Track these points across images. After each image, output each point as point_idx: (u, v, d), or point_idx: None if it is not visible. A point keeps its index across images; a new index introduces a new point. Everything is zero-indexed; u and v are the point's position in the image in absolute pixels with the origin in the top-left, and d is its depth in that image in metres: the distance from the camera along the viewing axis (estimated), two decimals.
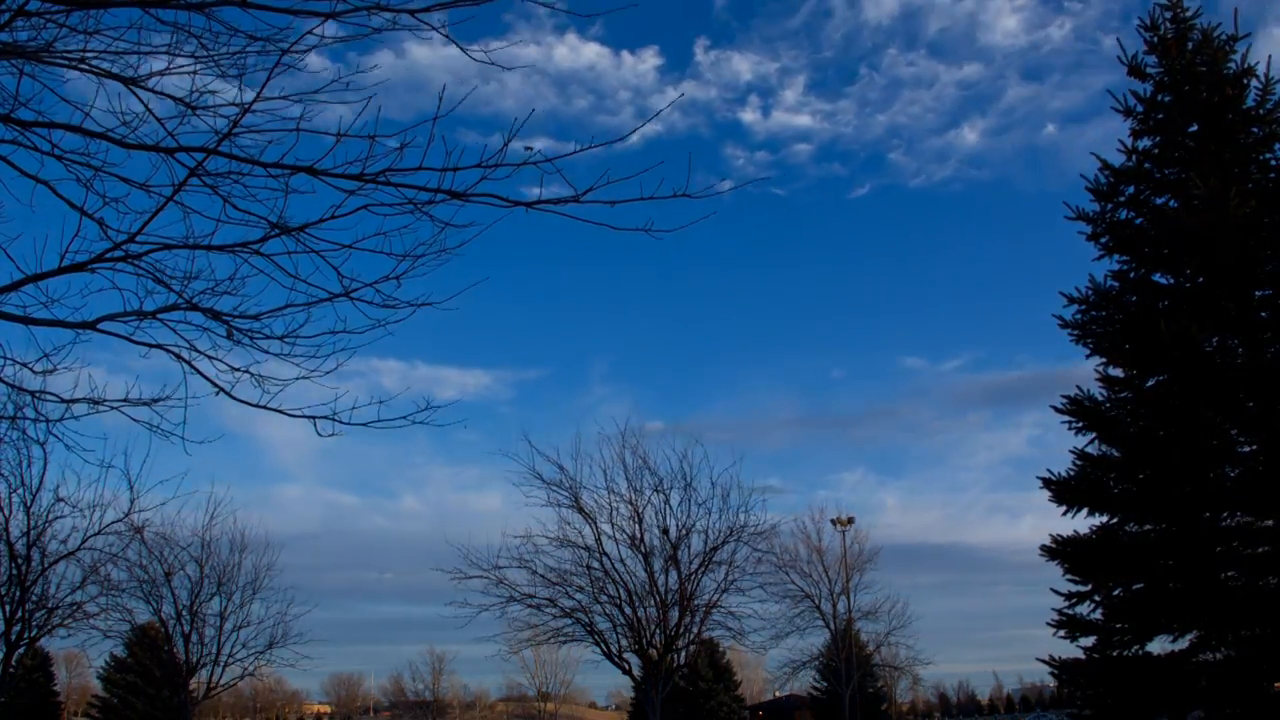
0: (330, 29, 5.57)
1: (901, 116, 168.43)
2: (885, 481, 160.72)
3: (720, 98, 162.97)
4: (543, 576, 28.00)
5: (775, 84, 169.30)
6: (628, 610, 27.79)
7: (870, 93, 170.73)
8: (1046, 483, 20.45)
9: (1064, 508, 20.20)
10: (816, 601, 46.59)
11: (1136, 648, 19.11)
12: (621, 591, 27.82)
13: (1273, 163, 19.56)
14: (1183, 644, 18.81)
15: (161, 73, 5.83)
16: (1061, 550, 19.91)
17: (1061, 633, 19.76)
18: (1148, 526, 19.58)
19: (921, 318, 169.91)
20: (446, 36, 5.56)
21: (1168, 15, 20.44)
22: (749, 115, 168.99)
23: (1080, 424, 20.27)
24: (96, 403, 6.34)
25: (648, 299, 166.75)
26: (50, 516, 23.61)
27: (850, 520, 48.63)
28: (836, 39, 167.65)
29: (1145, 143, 20.63)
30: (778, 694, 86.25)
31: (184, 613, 32.16)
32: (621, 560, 28.17)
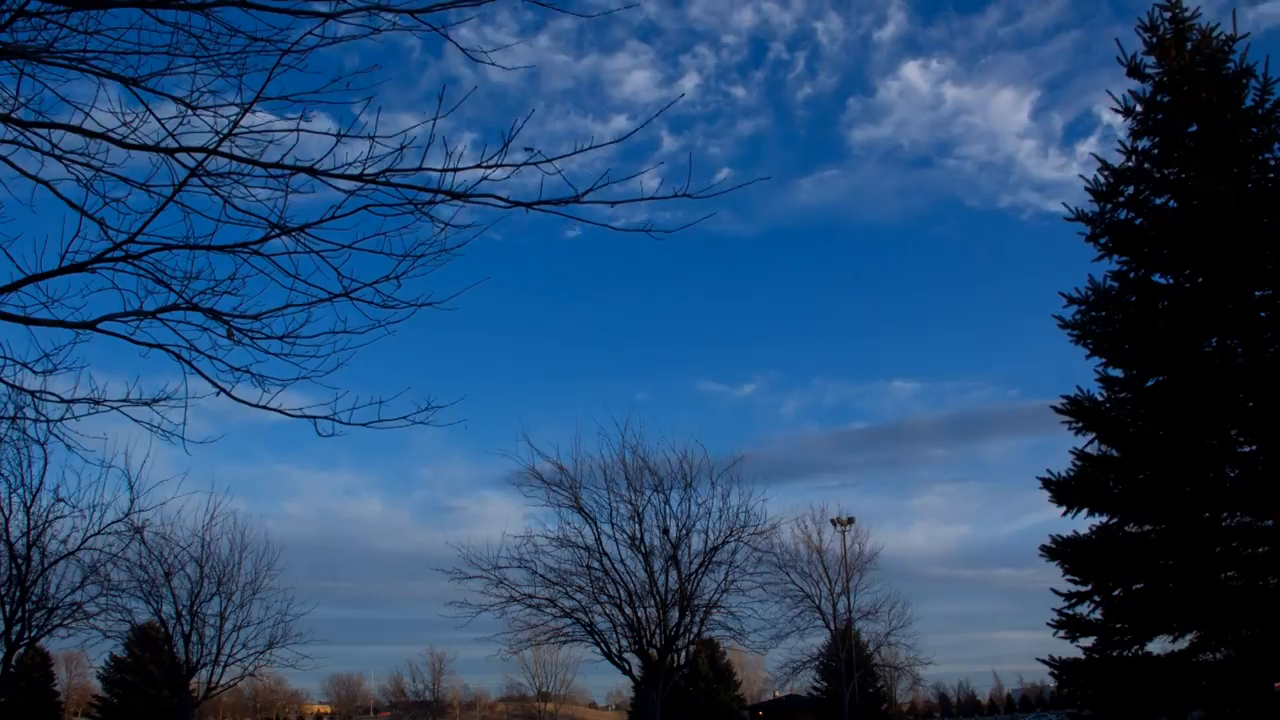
0: (331, 29, 5.57)
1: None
2: None
3: None
4: (542, 576, 28.06)
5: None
6: (628, 610, 27.81)
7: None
8: (1046, 483, 20.45)
9: (1064, 508, 20.21)
10: (816, 601, 46.59)
11: (1136, 648, 19.12)
12: (621, 591, 27.85)
13: (1272, 163, 19.56)
14: (1183, 644, 18.82)
15: (161, 73, 5.83)
16: (1061, 550, 19.91)
17: (1061, 633, 19.77)
18: (1148, 526, 19.58)
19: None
20: (446, 37, 5.57)
21: (1166, 16, 20.45)
22: None
23: (1080, 424, 20.27)
24: (96, 403, 6.35)
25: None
26: (50, 516, 23.65)
27: (850, 520, 48.65)
28: None
29: (1145, 143, 20.63)
30: (778, 694, 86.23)
31: (184, 613, 32.19)
32: (621, 560, 28.22)
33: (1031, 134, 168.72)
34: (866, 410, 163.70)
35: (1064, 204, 21.05)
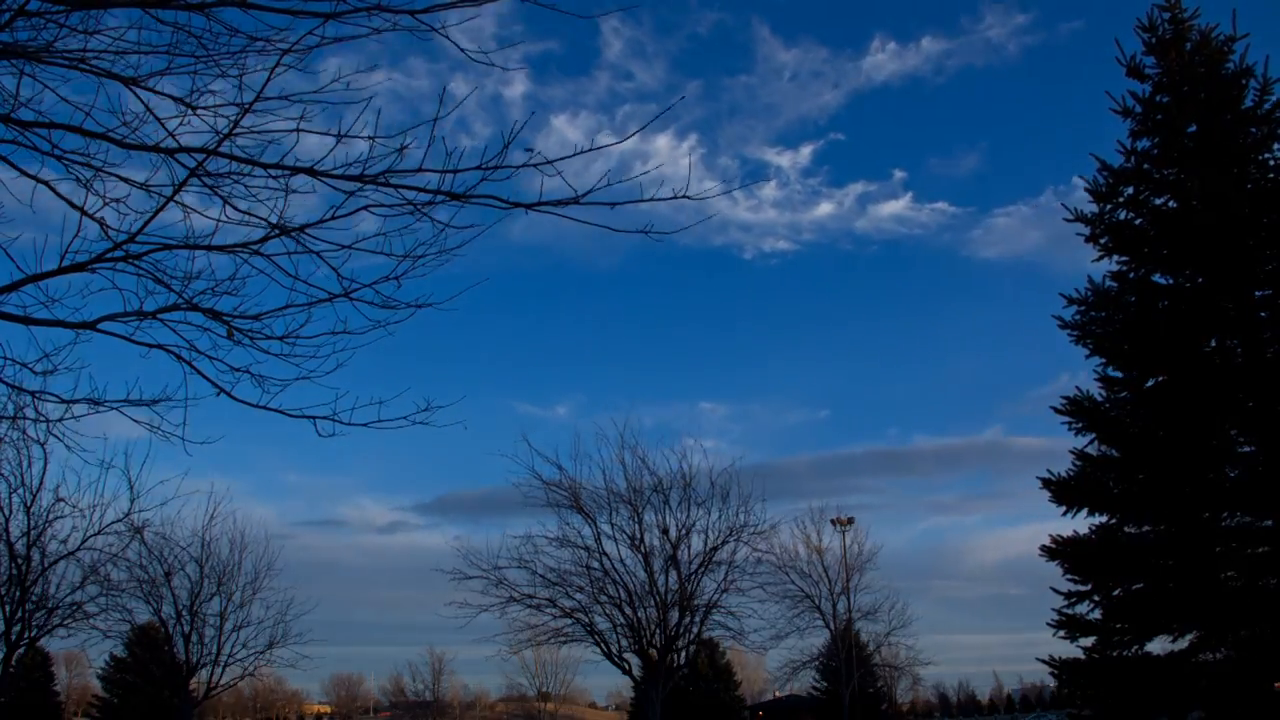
0: (331, 29, 5.57)
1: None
2: None
3: None
4: (542, 577, 28.06)
5: None
6: (628, 610, 27.81)
7: None
8: (1046, 483, 20.46)
9: (1064, 508, 20.21)
10: (816, 601, 46.56)
11: (1136, 648, 19.13)
12: (621, 592, 27.85)
13: (1272, 163, 19.57)
14: (1183, 644, 18.83)
15: (161, 73, 5.83)
16: (1061, 550, 19.92)
17: (1061, 633, 19.77)
18: (1147, 527, 19.60)
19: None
20: (446, 37, 5.57)
21: (1166, 16, 20.46)
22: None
23: (1080, 424, 20.28)
24: (96, 403, 6.34)
25: None
26: (50, 516, 23.63)
27: (850, 520, 48.63)
28: None
29: (1144, 143, 20.64)
30: (778, 694, 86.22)
31: (184, 613, 32.17)
32: (621, 560, 28.22)
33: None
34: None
35: (1063, 204, 21.06)
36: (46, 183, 5.98)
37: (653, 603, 27.87)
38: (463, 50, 5.64)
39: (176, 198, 5.91)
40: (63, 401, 6.35)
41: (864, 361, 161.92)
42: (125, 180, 6.02)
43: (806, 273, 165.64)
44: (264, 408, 6.39)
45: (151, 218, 5.93)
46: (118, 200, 6.04)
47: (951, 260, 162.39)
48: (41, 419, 6.88)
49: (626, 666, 28.58)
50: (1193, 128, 20.13)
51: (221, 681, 33.99)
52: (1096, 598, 19.53)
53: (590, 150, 5.52)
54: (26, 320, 5.91)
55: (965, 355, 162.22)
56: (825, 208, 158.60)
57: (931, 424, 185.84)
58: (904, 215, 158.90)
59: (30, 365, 6.28)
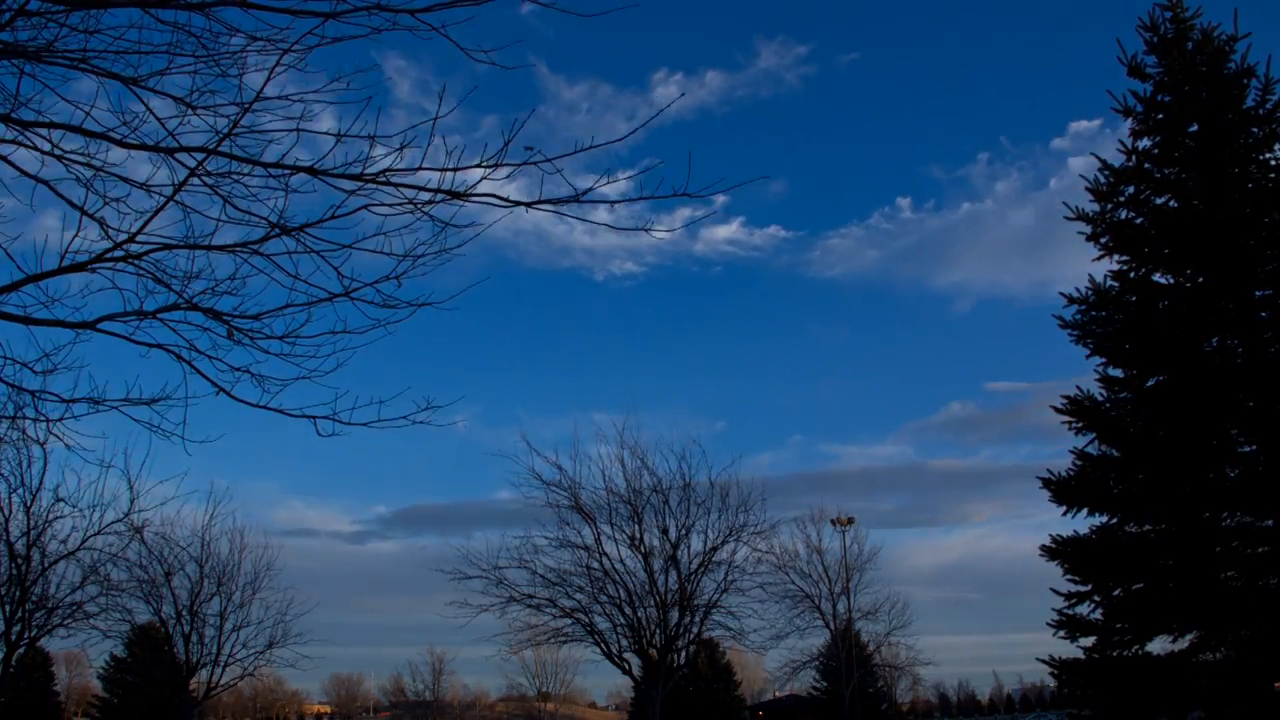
0: (331, 29, 5.57)
1: None
2: None
3: None
4: (542, 577, 28.05)
5: None
6: (627, 610, 27.81)
7: None
8: (1046, 483, 20.46)
9: (1064, 508, 20.21)
10: (816, 601, 46.57)
11: (1136, 648, 19.11)
12: (621, 592, 27.84)
13: (1273, 163, 19.55)
14: (1183, 644, 18.82)
15: (162, 73, 5.82)
16: (1061, 550, 19.91)
17: (1061, 633, 19.76)
18: (1148, 526, 19.58)
19: None
20: (446, 37, 5.56)
21: (1168, 15, 20.44)
22: None
23: (1080, 424, 20.27)
24: (96, 403, 6.34)
25: None
26: (50, 516, 23.63)
27: (850, 520, 48.62)
28: None
29: (1145, 143, 20.61)
30: (778, 694, 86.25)
31: (184, 613, 32.17)
32: (621, 560, 28.21)
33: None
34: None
35: (1064, 203, 21.02)
36: (46, 183, 5.99)
37: (653, 603, 27.87)
38: (463, 49, 5.64)
39: (176, 198, 5.90)
40: (63, 401, 6.36)
41: (742, 377, 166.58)
42: (125, 180, 6.03)
43: (659, 293, 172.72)
44: (264, 407, 6.40)
45: (151, 217, 5.93)
46: (118, 200, 6.05)
47: (795, 280, 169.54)
48: (41, 419, 6.87)
49: (626, 666, 28.58)
50: (1194, 127, 20.11)
51: (221, 681, 34.02)
52: (1097, 598, 19.52)
53: (589, 148, 5.52)
54: (26, 320, 5.90)
55: (832, 373, 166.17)
56: (659, 233, 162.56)
57: (840, 435, 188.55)
58: (738, 239, 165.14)
59: (30, 365, 6.28)
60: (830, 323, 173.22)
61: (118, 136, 5.77)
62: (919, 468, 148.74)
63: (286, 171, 5.77)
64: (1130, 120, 20.72)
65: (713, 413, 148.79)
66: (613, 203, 5.68)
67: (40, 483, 23.49)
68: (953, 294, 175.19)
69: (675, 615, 27.78)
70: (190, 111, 5.91)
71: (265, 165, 5.79)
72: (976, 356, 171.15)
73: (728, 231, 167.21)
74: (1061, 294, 20.74)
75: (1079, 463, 20.22)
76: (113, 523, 23.89)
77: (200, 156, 5.79)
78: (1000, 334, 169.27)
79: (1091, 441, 20.22)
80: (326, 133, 5.64)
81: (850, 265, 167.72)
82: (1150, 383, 20.08)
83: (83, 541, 23.82)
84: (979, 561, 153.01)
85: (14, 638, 23.78)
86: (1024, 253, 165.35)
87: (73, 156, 5.89)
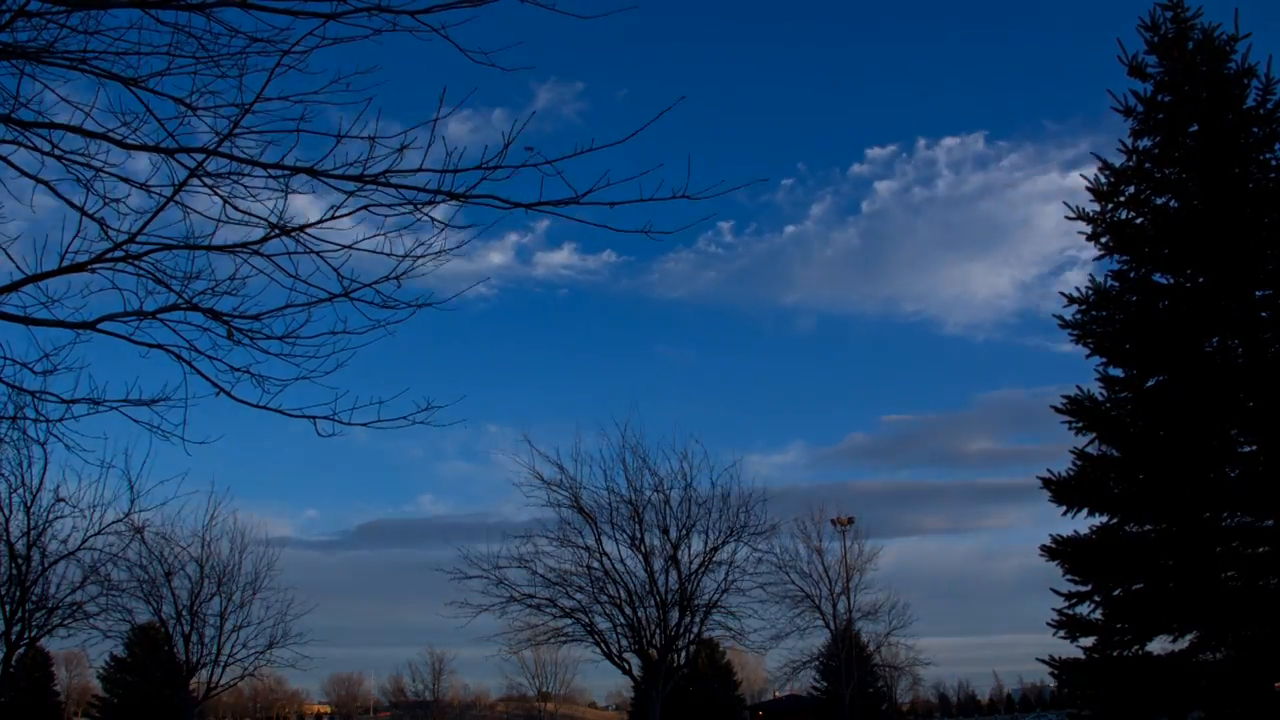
0: (331, 30, 5.57)
1: None
2: None
3: None
4: (543, 576, 28.04)
5: None
6: (628, 610, 27.80)
7: None
8: (1046, 482, 20.46)
9: (1064, 508, 20.20)
10: (816, 601, 46.51)
11: (1136, 648, 19.12)
12: (621, 592, 27.84)
13: (1273, 163, 19.56)
14: (1183, 644, 18.82)
15: (162, 73, 5.82)
16: (1061, 550, 19.91)
17: (1061, 633, 19.76)
18: (1148, 526, 19.58)
19: None
20: (446, 38, 5.57)
21: (1168, 15, 20.44)
22: None
23: (1080, 424, 20.27)
24: (96, 403, 6.34)
25: None
26: (50, 516, 23.59)
27: (850, 520, 48.60)
28: None
29: (1145, 142, 20.62)
30: (778, 694, 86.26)
31: (184, 613, 32.15)
32: (621, 560, 28.20)
33: None
34: None
35: (1065, 203, 21.04)
36: (46, 183, 5.99)
37: (653, 603, 27.86)
38: (463, 50, 5.64)
39: (176, 198, 5.90)
40: (63, 401, 6.35)
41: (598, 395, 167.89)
42: (125, 180, 6.03)
43: (509, 315, 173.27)
44: (264, 408, 6.40)
45: (151, 218, 5.93)
46: (118, 200, 6.05)
47: (640, 301, 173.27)
48: (41, 419, 6.86)
49: (626, 666, 28.57)
50: (1194, 127, 20.12)
51: (221, 681, 33.99)
52: (1097, 598, 19.52)
53: (589, 150, 5.52)
54: (26, 320, 5.90)
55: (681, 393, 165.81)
56: (496, 257, 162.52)
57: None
58: (574, 263, 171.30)
59: (30, 365, 6.28)
60: (677, 344, 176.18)
61: (118, 136, 5.77)
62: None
63: (286, 171, 5.77)
64: (1130, 120, 20.73)
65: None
66: (612, 204, 5.67)
67: (40, 483, 23.49)
68: (793, 312, 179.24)
69: (675, 615, 27.78)
70: (190, 112, 5.91)
71: (265, 165, 5.79)
72: (823, 373, 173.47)
73: (563, 257, 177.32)
74: (1062, 293, 20.81)
75: (1079, 463, 20.22)
76: (113, 523, 23.87)
77: (200, 156, 5.79)
78: (845, 350, 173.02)
79: (1091, 441, 20.23)
80: (326, 133, 5.64)
81: (691, 287, 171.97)
82: (1150, 383, 20.08)
83: (83, 541, 23.80)
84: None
85: (14, 638, 23.77)
86: (859, 270, 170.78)
87: (73, 156, 5.90)
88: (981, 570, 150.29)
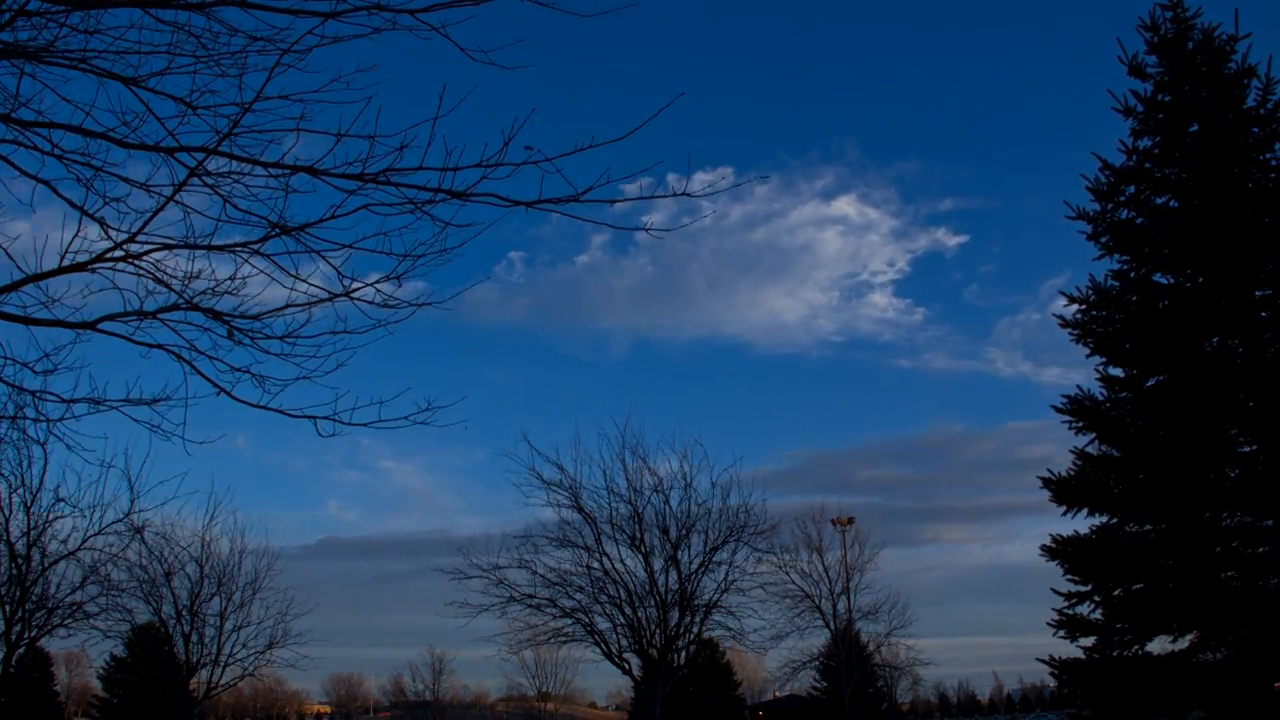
0: (330, 29, 5.57)
1: None
2: None
3: None
4: (543, 576, 28.01)
5: None
6: (628, 610, 27.77)
7: None
8: (1046, 482, 20.45)
9: (1064, 508, 20.20)
10: (816, 601, 46.48)
11: (1136, 648, 19.12)
12: (621, 592, 27.81)
13: (1273, 163, 19.56)
14: (1183, 644, 18.83)
15: (162, 72, 5.82)
16: (1061, 550, 19.91)
17: (1061, 633, 19.76)
18: (1148, 526, 19.59)
19: None
20: (446, 37, 5.57)
21: (1168, 15, 20.44)
22: None
23: (1080, 424, 20.27)
24: (97, 403, 6.33)
25: None
26: (50, 516, 23.57)
27: (850, 520, 48.58)
28: None
29: (1145, 142, 20.63)
30: (778, 694, 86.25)
31: (184, 613, 32.10)
32: (621, 560, 28.18)
33: None
34: None
35: (1065, 202, 21.05)
36: (47, 183, 5.98)
37: (653, 603, 27.84)
38: (463, 49, 5.64)
39: (176, 198, 5.90)
40: (63, 401, 6.34)
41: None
42: (125, 180, 6.02)
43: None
44: (264, 408, 6.39)
45: (151, 217, 5.93)
46: (118, 200, 6.04)
47: (455, 329, 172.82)
48: (42, 419, 6.86)
49: (626, 666, 28.55)
50: (1194, 127, 20.12)
51: (221, 681, 33.92)
52: (1097, 598, 19.52)
53: (589, 148, 5.52)
54: (26, 320, 5.89)
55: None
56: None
57: None
58: (383, 289, 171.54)
59: (30, 365, 6.27)
60: (499, 368, 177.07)
61: (118, 136, 5.77)
62: None
63: (286, 171, 5.77)
64: (1130, 120, 20.73)
65: None
66: (613, 202, 5.67)
67: (40, 483, 23.45)
68: (606, 338, 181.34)
69: (675, 615, 27.76)
70: (190, 111, 5.90)
71: (265, 165, 5.79)
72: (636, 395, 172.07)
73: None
74: (1062, 293, 20.84)
75: (1079, 463, 20.22)
76: (113, 523, 23.85)
77: (200, 156, 5.79)
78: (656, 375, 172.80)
79: (1092, 441, 20.24)
80: (326, 132, 5.64)
81: (503, 314, 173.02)
82: (1150, 383, 20.08)
83: (83, 541, 23.78)
84: None
85: (14, 638, 23.74)
86: (665, 298, 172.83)
87: (73, 156, 5.89)
88: None
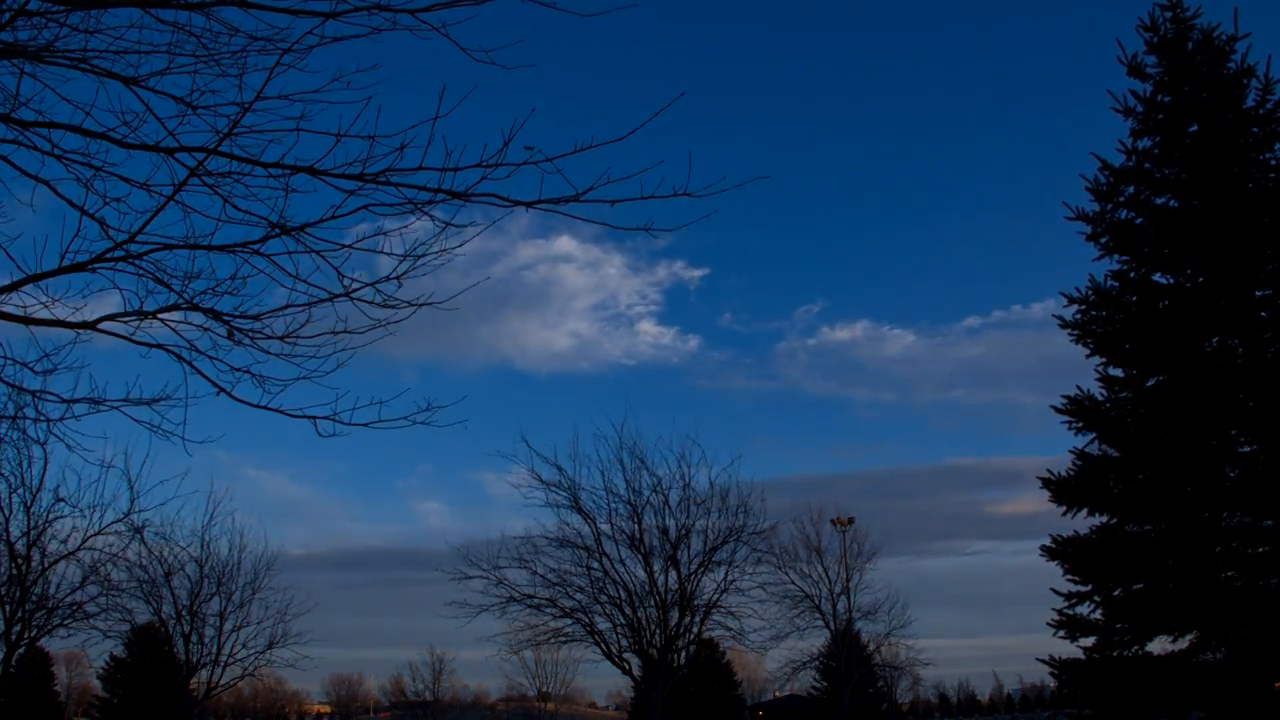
0: (330, 29, 5.57)
1: None
2: None
3: None
4: (543, 577, 27.99)
5: None
6: (627, 610, 27.77)
7: None
8: (1046, 482, 20.44)
9: (1064, 508, 20.19)
10: (816, 601, 46.45)
11: (1136, 648, 19.12)
12: (621, 592, 27.81)
13: (1273, 163, 19.56)
14: (1183, 644, 18.82)
15: (162, 72, 5.82)
16: (1061, 550, 19.90)
17: (1061, 633, 19.76)
18: (1148, 526, 19.59)
19: None
20: (446, 37, 5.56)
21: (1168, 15, 20.44)
22: None
23: (1080, 424, 20.27)
24: (97, 403, 6.33)
25: None
26: (50, 516, 23.58)
27: (850, 520, 48.55)
28: None
29: (1145, 143, 20.63)
30: (778, 694, 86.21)
31: (184, 613, 32.06)
32: (621, 560, 28.17)
33: None
34: None
35: (1065, 203, 21.05)
36: (47, 182, 5.98)
37: (653, 603, 27.83)
38: (463, 49, 5.64)
39: (176, 198, 5.90)
40: (63, 401, 6.35)
41: None
42: (125, 180, 6.01)
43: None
44: (264, 408, 6.39)
45: (151, 217, 5.93)
46: (118, 200, 6.03)
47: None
48: (42, 419, 6.86)
49: (626, 666, 28.54)
50: (1194, 127, 20.12)
51: (221, 681, 33.86)
52: (1097, 598, 19.52)
53: (589, 148, 5.52)
54: (26, 320, 5.89)
55: None
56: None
57: None
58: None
59: (30, 365, 6.27)
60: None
61: (118, 136, 5.77)
62: None
63: (286, 171, 5.77)
64: (1130, 120, 20.74)
65: None
66: (613, 202, 5.67)
67: (40, 483, 23.46)
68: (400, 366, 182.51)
69: (675, 615, 27.76)
70: (190, 111, 5.90)
71: (265, 165, 5.79)
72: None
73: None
74: (1062, 293, 20.83)
75: (1079, 463, 20.22)
76: (113, 523, 23.88)
77: (200, 156, 5.79)
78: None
79: (1092, 441, 20.23)
80: (326, 132, 5.64)
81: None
82: (1150, 383, 20.08)
83: (83, 541, 23.79)
84: None
85: (14, 638, 23.73)
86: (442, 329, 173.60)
87: (73, 156, 5.89)
88: None
